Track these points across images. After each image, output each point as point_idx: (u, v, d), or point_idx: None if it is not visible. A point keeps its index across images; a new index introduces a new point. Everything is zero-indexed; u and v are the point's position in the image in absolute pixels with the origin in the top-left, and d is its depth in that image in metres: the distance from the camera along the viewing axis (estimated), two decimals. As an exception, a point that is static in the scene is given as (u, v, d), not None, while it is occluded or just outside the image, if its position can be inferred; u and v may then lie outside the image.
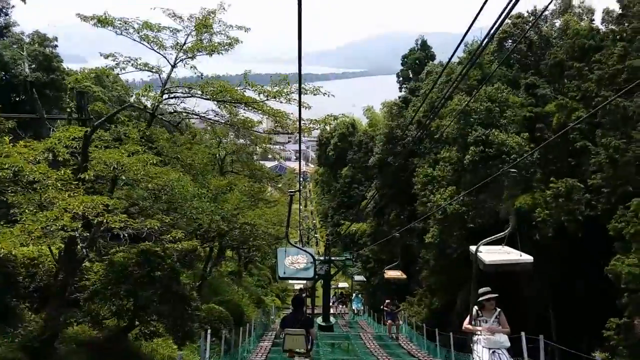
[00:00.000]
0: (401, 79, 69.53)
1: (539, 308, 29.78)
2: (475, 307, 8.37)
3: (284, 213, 30.57)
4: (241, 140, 29.63)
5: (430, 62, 60.45)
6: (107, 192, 13.03)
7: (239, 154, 29.48)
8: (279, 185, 42.30)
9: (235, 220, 22.83)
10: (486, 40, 6.56)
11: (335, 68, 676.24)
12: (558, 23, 41.68)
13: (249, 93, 13.79)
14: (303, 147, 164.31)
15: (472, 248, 8.02)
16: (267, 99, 13.55)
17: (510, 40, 41.23)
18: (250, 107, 13.82)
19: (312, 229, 76.12)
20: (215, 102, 14.17)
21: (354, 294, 34.11)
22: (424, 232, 39.15)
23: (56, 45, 32.34)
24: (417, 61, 63.49)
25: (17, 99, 27.87)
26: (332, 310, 36.22)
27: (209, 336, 11.72)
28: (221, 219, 22.00)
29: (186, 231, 26.11)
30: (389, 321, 20.68)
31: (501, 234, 8.17)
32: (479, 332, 8.11)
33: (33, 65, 27.65)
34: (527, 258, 7.97)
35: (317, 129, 14.42)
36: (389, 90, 70.30)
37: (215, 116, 14.97)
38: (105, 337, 14.93)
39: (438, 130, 34.73)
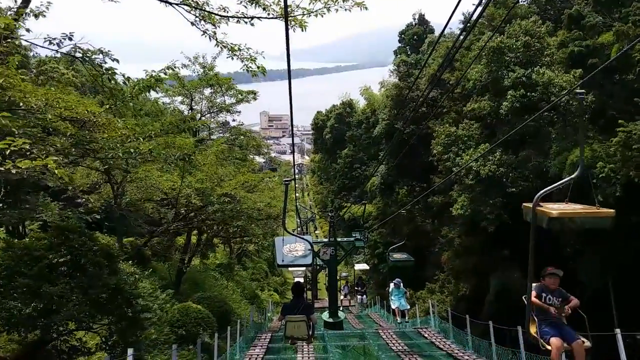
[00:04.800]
0: (399, 56, 64.35)
1: (596, 283, 23.88)
2: None
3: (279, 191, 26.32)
4: (219, 99, 23.49)
5: (430, 35, 54.51)
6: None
7: (216, 113, 23.29)
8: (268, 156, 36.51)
9: (210, 192, 16.86)
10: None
11: (327, 62, 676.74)
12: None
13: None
14: (297, 140, 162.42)
15: None
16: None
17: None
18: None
19: (312, 219, 70.55)
20: None
21: (392, 284, 19.69)
22: (443, 208, 33.37)
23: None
24: (415, 36, 58.53)
25: None
26: (345, 303, 30.95)
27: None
28: (194, 191, 16.59)
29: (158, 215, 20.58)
30: (554, 339, 6.81)
31: None
32: None
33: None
34: None
35: (314, 14, 7.96)
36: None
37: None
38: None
39: (459, 83, 28.62)
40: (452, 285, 33.71)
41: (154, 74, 10.69)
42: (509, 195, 24.70)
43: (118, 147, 9.85)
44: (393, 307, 19.13)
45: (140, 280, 11.94)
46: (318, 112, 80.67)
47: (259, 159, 55.04)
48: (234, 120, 24.63)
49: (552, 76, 23.51)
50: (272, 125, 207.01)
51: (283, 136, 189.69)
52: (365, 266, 38.73)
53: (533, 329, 7.01)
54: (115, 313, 10.08)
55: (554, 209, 5.53)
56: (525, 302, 6.84)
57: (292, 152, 15.62)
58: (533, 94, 23.86)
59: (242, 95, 23.71)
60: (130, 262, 15.49)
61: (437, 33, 59.80)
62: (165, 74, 10.86)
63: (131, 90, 10.56)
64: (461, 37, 10.54)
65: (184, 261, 22.33)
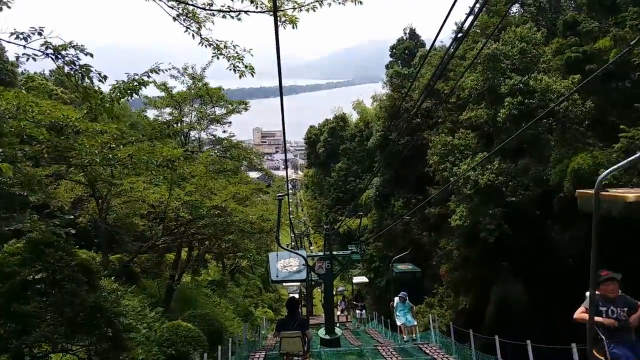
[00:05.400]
0: (387, 78, 64.53)
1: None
2: None
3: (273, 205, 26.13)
4: (209, 110, 22.86)
5: (421, 49, 54.52)
6: None
7: (206, 125, 22.61)
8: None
9: (200, 204, 16.48)
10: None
11: (320, 79, 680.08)
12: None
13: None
14: (290, 155, 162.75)
15: None
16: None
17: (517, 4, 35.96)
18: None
19: (306, 234, 69.77)
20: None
21: (396, 298, 17.86)
22: (440, 220, 32.73)
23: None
24: (406, 51, 58.47)
25: None
26: (342, 319, 29.95)
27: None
28: (183, 204, 16.67)
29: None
30: None
31: None
32: None
33: None
34: None
35: (305, 8, 7.21)
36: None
37: None
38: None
39: (453, 91, 28.17)
40: (452, 298, 32.88)
41: (136, 77, 10.03)
42: (508, 204, 24.12)
43: (96, 153, 9.11)
44: (399, 323, 17.41)
45: (122, 297, 11.11)
46: (311, 127, 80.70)
47: (254, 175, 54.28)
48: (224, 131, 24.04)
49: (550, 82, 23.07)
50: (265, 142, 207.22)
51: (276, 152, 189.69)
52: (364, 279, 37.45)
53: (597, 351, 5.58)
54: (94, 333, 9.35)
55: (626, 192, 4.36)
56: (578, 318, 5.74)
57: (285, 166, 14.93)
58: (531, 100, 23.39)
59: (232, 105, 23.12)
60: (115, 278, 14.75)
61: (428, 47, 59.89)
62: (148, 77, 10.17)
63: (111, 94, 9.92)
64: (454, 44, 10.00)
65: (174, 278, 21.53)
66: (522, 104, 23.33)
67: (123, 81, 10.16)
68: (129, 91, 10.23)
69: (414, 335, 17.41)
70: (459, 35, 18.62)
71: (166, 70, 10.46)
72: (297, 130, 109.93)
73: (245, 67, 8.99)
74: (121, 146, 9.50)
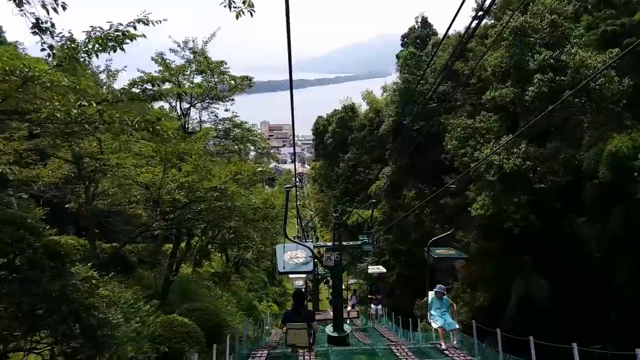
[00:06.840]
0: (401, 60, 62.46)
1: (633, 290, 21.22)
2: None
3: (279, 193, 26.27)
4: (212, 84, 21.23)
5: (433, 37, 52.61)
6: None
7: (208, 103, 20.92)
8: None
9: (197, 186, 15.56)
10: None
11: (327, 73, 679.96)
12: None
13: None
14: (297, 149, 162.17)
15: None
16: None
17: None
18: None
19: (311, 222, 68.33)
20: None
21: (431, 293, 14.21)
22: (457, 211, 30.90)
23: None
24: (417, 40, 56.26)
25: None
26: (352, 314, 28.02)
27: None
28: (179, 185, 15.24)
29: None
30: None
31: None
32: None
33: None
34: None
35: None
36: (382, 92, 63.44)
37: None
38: None
39: (473, 71, 26.29)
40: (468, 294, 31.08)
41: (120, 27, 8.30)
42: (535, 192, 22.20)
43: (59, 108, 7.38)
44: (435, 326, 13.84)
45: (97, 286, 9.41)
46: (319, 117, 79.35)
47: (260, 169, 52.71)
48: (226, 110, 22.28)
49: (585, 56, 21.05)
50: (272, 135, 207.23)
51: (284, 146, 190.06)
52: (381, 269, 34.17)
53: None
54: (59, 329, 7.69)
55: None
56: None
57: (294, 152, 13.20)
58: (562, 77, 21.40)
59: (235, 81, 21.36)
60: (108, 268, 13.39)
61: (440, 37, 57.93)
62: (134, 27, 8.41)
63: (86, 43, 8.19)
64: (475, 22, 8.30)
65: (172, 268, 19.98)
66: (553, 82, 21.36)
67: (100, 27, 8.39)
68: (109, 43, 8.47)
69: (454, 341, 13.78)
70: (480, 13, 16.74)
71: (157, 22, 8.69)
72: (304, 124, 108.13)
73: (243, 2, 7.18)
74: (93, 103, 7.74)
